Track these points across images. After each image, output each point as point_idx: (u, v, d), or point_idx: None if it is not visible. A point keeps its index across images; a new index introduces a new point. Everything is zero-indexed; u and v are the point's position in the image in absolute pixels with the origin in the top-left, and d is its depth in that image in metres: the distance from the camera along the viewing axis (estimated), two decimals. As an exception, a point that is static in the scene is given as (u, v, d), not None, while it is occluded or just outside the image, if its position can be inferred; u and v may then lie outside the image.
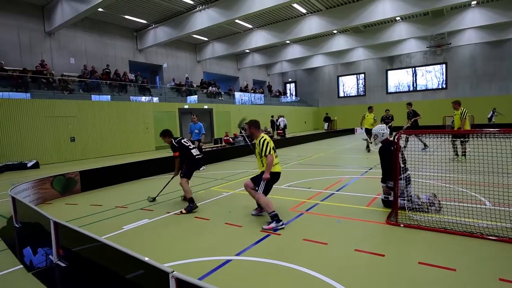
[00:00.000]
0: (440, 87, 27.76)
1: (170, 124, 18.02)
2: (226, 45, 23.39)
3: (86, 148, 14.08)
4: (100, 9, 16.10)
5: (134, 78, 19.21)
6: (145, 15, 18.41)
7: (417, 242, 3.75)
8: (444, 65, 27.33)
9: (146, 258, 2.23)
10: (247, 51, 27.51)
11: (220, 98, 24.24)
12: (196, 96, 21.97)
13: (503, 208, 4.50)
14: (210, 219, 4.93)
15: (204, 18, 17.15)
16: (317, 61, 30.28)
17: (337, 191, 6.50)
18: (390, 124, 12.93)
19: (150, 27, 19.81)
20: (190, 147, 5.78)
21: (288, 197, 6.09)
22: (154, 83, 23.31)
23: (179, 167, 5.87)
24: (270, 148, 4.62)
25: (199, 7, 17.16)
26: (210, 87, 23.99)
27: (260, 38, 21.54)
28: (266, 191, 4.76)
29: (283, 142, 17.38)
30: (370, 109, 13.71)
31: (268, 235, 4.13)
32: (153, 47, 21.28)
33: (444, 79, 27.48)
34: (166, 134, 5.83)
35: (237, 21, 19.09)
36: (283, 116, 21.64)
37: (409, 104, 12.16)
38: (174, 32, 18.73)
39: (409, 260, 3.29)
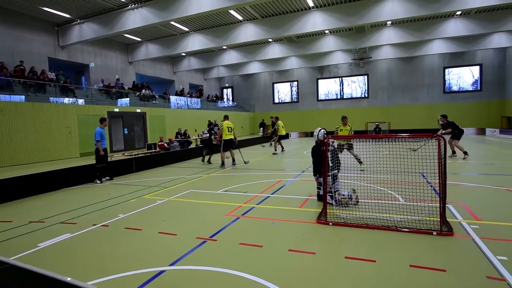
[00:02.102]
0: (363, 96, 30.65)
1: (98, 129, 16.64)
2: (161, 47, 22.53)
3: (-8, 156, 12.20)
4: (11, -2, 14.21)
5: (55, 77, 17.31)
6: (68, 9, 16.75)
7: (343, 239, 4.06)
8: (366, 76, 30.27)
9: (69, 278, 2.00)
10: (183, 54, 26.88)
11: (154, 101, 23.19)
12: (127, 99, 20.67)
13: (412, 203, 5.14)
14: (142, 229, 4.66)
15: (137, 18, 16.29)
16: (253, 68, 30.99)
17: (272, 194, 6.70)
18: (448, 130, 11.47)
19: (75, 23, 18.10)
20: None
21: (225, 202, 6.08)
22: (79, 83, 21.29)
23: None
24: (220, 127, 11.35)
25: (131, 5, 16.25)
26: (143, 90, 22.82)
27: (196, 41, 21.25)
28: (224, 149, 10.97)
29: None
30: (276, 118, 16.80)
31: (204, 242, 4.06)
32: (78, 45, 19.48)
33: (366, 89, 30.42)
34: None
35: (172, 23, 18.57)
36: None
37: (444, 116, 11.65)
38: (103, 30, 17.41)
39: (337, 256, 3.54)
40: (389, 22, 20.75)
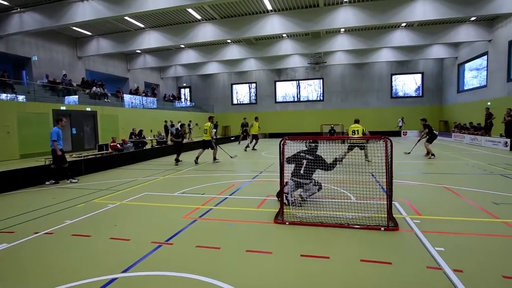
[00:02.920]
0: (319, 99, 31.85)
1: (42, 128, 15.33)
2: (114, 43, 21.38)
3: None
4: None
5: (-11, 70, 15.64)
6: (6, -4, 15.24)
7: (299, 237, 4.17)
8: (321, 80, 31.50)
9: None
10: (138, 51, 25.82)
11: (106, 100, 21.92)
12: (76, 96, 19.30)
13: (363, 201, 5.44)
14: (91, 236, 4.38)
15: (87, 10, 15.29)
16: (212, 68, 30.69)
17: (230, 195, 6.68)
18: (425, 130, 12.50)
19: (14, 11, 16.47)
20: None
21: (182, 205, 5.94)
22: (19, 78, 19.45)
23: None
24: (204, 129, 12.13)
25: (80, -4, 15.24)
26: (94, 87, 21.47)
27: (153, 39, 20.51)
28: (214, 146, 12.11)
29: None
30: (256, 118, 17.75)
31: (160, 246, 3.93)
32: (19, 35, 17.80)
33: (321, 92, 31.66)
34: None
35: (127, 18, 17.75)
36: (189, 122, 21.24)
37: (423, 119, 12.88)
38: (48, 21, 16.07)
39: (293, 254, 3.63)
40: (342, 30, 21.81)
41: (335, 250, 3.69)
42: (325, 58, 27.77)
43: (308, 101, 32.16)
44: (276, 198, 5.86)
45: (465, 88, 24.79)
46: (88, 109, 18.74)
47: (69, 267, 3.44)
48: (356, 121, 11.65)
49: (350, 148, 10.16)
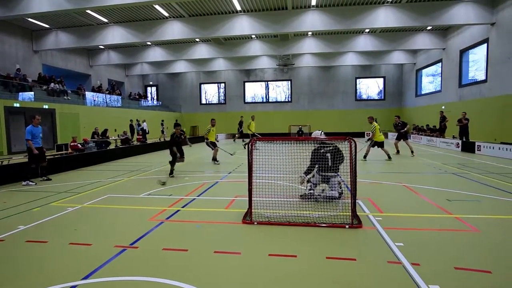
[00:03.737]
0: (287, 100, 32.36)
1: (-9, 126, 14.16)
2: (74, 37, 20.21)
3: None
4: None
5: None
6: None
7: (267, 237, 4.21)
8: (289, 82, 32.04)
9: None
10: (101, 47, 24.66)
11: (65, 97, 20.69)
12: (31, 92, 18.03)
13: (329, 200, 5.61)
14: (48, 241, 4.11)
15: (44, 0, 14.35)
16: (180, 67, 30.09)
17: (198, 196, 6.59)
18: (405, 129, 13.71)
19: (-41, -1, 15.09)
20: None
21: (147, 206, 5.76)
22: (-35, 72, 17.83)
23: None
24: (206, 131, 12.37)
25: (37, -14, 14.27)
26: (52, 84, 20.19)
27: (117, 34, 19.67)
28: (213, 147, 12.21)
29: (145, 147, 16.42)
30: (252, 117, 18.66)
31: (124, 250, 3.78)
32: (-36, 25, 16.34)
33: (290, 93, 32.20)
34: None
35: (89, 11, 16.87)
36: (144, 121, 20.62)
37: (397, 116, 14.25)
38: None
39: (261, 254, 3.65)
40: (310, 33, 22.33)
41: (302, 249, 3.77)
42: (293, 60, 28.26)
43: (276, 102, 32.57)
44: (300, 199, 5.82)
45: (423, 92, 26.43)
46: (46, 106, 17.60)
47: (23, 276, 3.21)
48: (375, 119, 12.49)
49: (372, 146, 12.07)
